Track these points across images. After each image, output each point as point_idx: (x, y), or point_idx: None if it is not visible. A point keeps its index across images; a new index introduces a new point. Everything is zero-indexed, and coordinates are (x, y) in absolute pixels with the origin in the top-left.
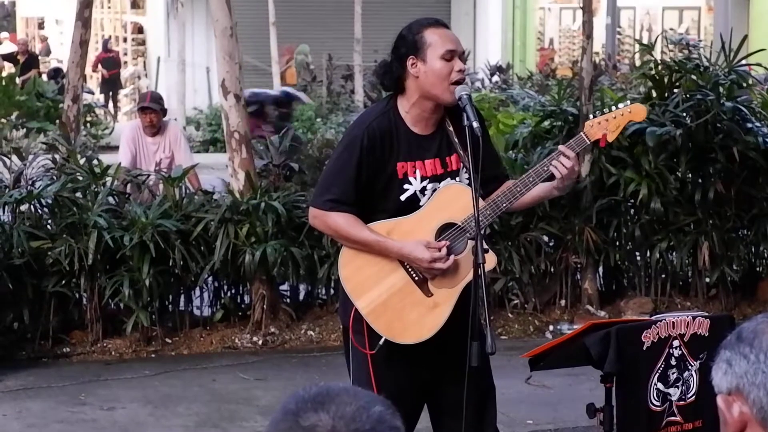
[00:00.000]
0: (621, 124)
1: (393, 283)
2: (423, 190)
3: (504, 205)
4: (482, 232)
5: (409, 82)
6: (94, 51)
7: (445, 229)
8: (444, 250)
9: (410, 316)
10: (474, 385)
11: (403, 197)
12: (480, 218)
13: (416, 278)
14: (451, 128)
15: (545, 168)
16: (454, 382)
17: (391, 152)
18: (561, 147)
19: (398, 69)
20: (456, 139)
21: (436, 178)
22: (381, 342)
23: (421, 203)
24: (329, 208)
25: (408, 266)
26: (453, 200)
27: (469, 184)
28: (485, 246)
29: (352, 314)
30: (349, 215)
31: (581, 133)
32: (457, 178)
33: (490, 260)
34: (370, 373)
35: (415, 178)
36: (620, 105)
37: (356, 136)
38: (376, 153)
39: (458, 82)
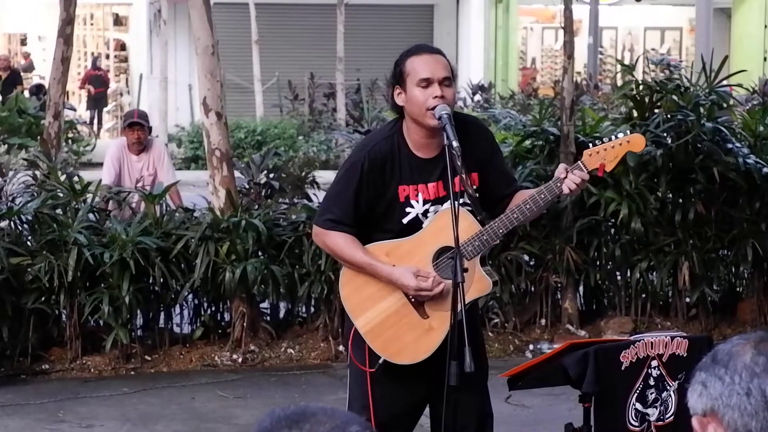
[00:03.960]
0: (619, 154)
1: (391, 305)
2: (425, 213)
3: (501, 231)
4: (481, 254)
5: (402, 109)
6: (76, 68)
7: (443, 252)
8: (431, 280)
9: (406, 337)
10: (473, 412)
11: (405, 220)
12: (477, 244)
13: (413, 300)
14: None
15: (542, 195)
16: (450, 401)
17: (392, 175)
18: (561, 168)
19: (392, 98)
20: (459, 162)
21: (439, 201)
22: (381, 361)
23: (423, 226)
24: (329, 227)
25: None
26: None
27: (472, 211)
28: (486, 270)
29: (352, 332)
30: (347, 235)
31: (579, 162)
32: (461, 200)
33: (486, 285)
34: (368, 391)
35: (417, 202)
36: (620, 134)
37: (357, 159)
38: (376, 176)
39: (436, 107)
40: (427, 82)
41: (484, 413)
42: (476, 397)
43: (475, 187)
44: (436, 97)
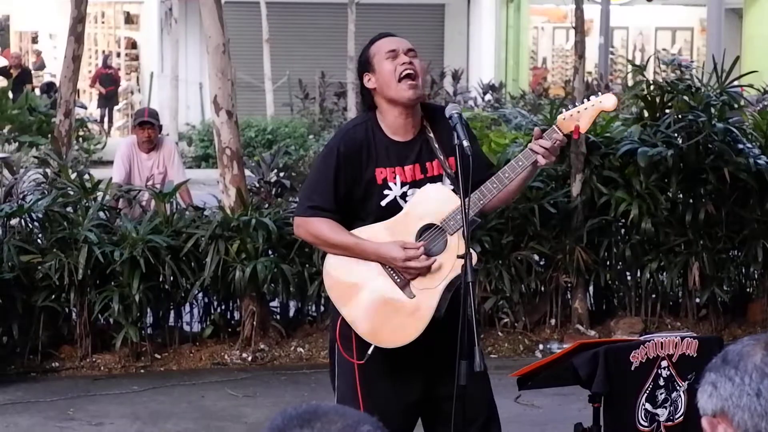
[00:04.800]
0: (593, 115)
1: (376, 288)
2: (404, 195)
3: (482, 201)
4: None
5: (375, 97)
6: (87, 66)
7: (425, 231)
8: (420, 250)
9: (394, 320)
10: (479, 402)
11: (383, 203)
12: (459, 217)
13: (398, 281)
14: (431, 134)
15: (519, 162)
16: (447, 396)
17: (369, 158)
18: (536, 131)
19: (364, 90)
20: (437, 145)
21: (416, 184)
22: (370, 351)
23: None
24: (310, 215)
25: (390, 270)
26: (432, 202)
27: (454, 190)
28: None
29: (339, 324)
30: (330, 221)
31: (554, 126)
32: (439, 184)
33: (472, 257)
34: (357, 385)
35: (395, 184)
36: (591, 97)
37: (334, 145)
38: (353, 160)
39: (407, 76)
40: (394, 53)
41: (489, 402)
42: (479, 391)
43: (452, 171)
44: (404, 63)
